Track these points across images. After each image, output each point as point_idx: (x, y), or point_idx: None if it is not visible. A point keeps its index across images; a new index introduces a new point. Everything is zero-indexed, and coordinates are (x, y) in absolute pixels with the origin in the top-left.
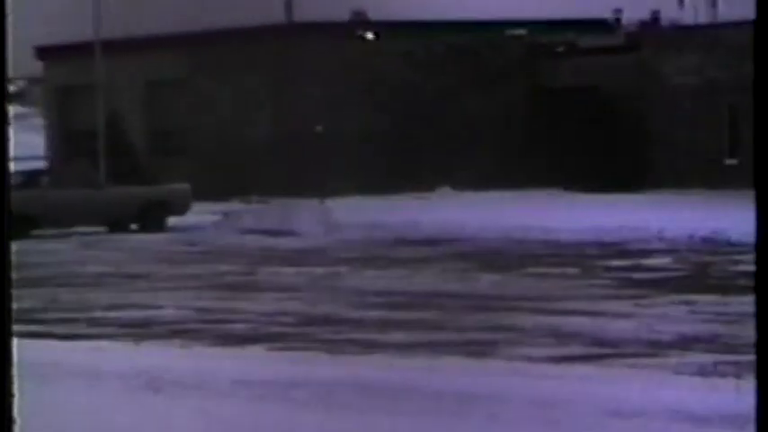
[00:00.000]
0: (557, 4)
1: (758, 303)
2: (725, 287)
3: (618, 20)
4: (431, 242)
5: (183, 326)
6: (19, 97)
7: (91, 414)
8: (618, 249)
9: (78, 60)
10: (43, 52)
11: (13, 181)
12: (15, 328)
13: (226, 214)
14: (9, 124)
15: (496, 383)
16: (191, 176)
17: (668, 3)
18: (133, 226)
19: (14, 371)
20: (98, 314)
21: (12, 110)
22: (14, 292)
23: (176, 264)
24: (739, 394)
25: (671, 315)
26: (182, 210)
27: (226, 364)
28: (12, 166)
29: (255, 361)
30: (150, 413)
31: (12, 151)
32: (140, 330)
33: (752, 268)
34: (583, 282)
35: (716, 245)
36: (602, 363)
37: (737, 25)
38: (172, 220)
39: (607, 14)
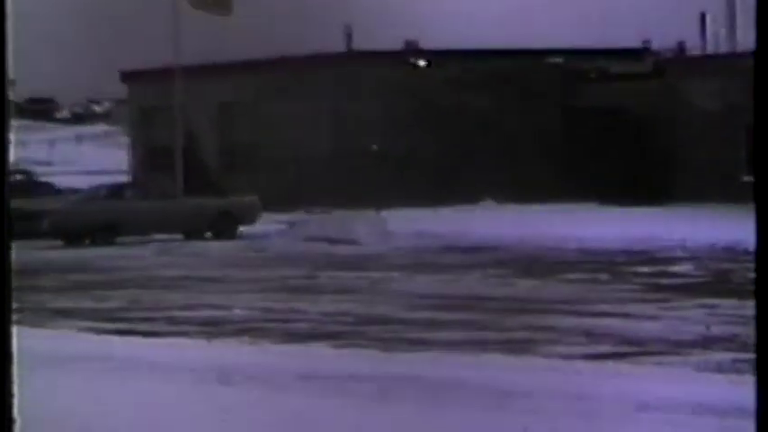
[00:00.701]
0: (591, 34)
1: (758, 304)
2: (742, 292)
3: (646, 48)
4: (475, 250)
5: (251, 324)
6: (105, 117)
7: (166, 404)
8: (645, 257)
9: (159, 84)
10: (127, 76)
11: (98, 193)
12: (103, 325)
13: (291, 223)
14: (9, 125)
15: (534, 379)
16: (259, 189)
17: (692, 33)
18: (207, 234)
19: (15, 369)
20: (175, 313)
21: (99, 128)
22: (100, 293)
23: (246, 268)
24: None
25: (693, 317)
26: (251, 219)
27: (290, 360)
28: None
29: (317, 357)
30: (220, 405)
31: (99, 165)
32: (212, 329)
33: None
34: (613, 286)
35: (734, 254)
36: (630, 360)
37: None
38: (242, 229)
39: (636, 44)
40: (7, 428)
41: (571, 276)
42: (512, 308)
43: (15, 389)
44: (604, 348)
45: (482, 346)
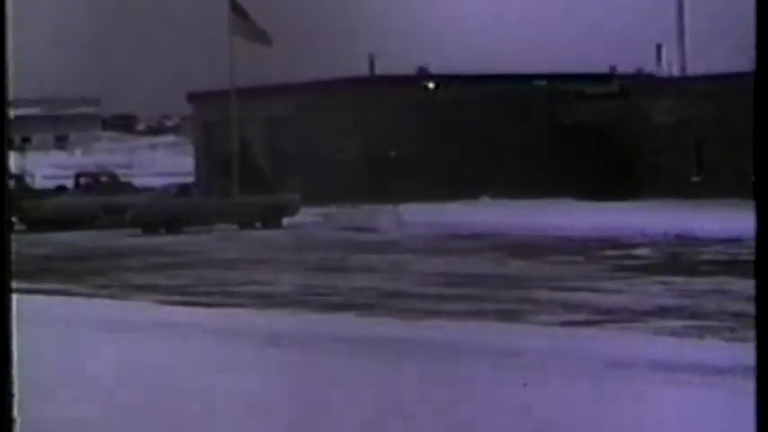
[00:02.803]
0: (568, 62)
1: (758, 303)
2: (690, 271)
3: (613, 73)
4: (475, 237)
5: (294, 297)
6: (175, 130)
7: (225, 362)
8: (612, 243)
9: (217, 102)
10: (192, 97)
11: (170, 191)
12: (173, 298)
13: (325, 216)
14: (9, 126)
15: (523, 342)
16: (300, 188)
17: (649, 61)
18: (257, 224)
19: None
20: (232, 289)
21: (170, 139)
22: (172, 272)
23: (289, 252)
24: (701, 350)
25: (651, 291)
26: (293, 212)
27: (325, 326)
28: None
29: (347, 324)
30: (272, 364)
31: (170, 169)
32: (262, 301)
33: (711, 257)
34: (586, 267)
35: (684, 240)
36: (600, 326)
37: (702, 78)
38: (286, 221)
39: (605, 69)
40: (7, 428)
41: (552, 258)
42: (505, 284)
43: (15, 389)
44: (579, 317)
45: (481, 315)
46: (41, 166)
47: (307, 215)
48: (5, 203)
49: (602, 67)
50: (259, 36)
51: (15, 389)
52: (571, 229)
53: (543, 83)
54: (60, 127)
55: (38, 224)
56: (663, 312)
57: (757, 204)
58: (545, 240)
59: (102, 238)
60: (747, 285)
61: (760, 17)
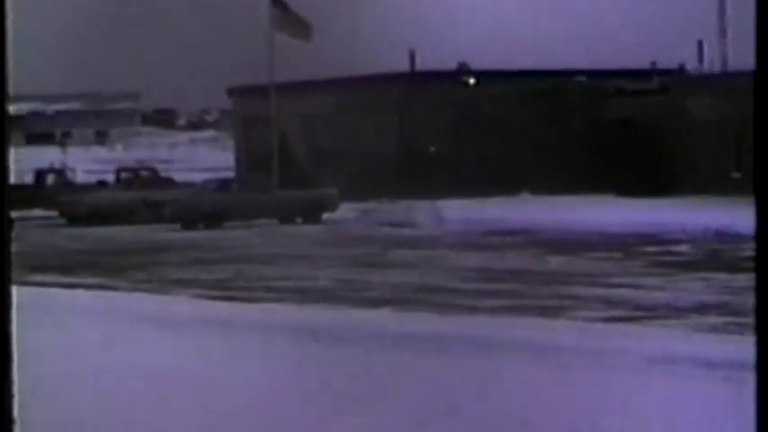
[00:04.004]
0: (609, 58)
1: (758, 303)
2: (731, 267)
3: (654, 69)
4: (514, 233)
5: (332, 293)
6: (215, 125)
7: (262, 357)
8: (652, 239)
9: (257, 98)
10: (232, 92)
11: (210, 186)
12: (213, 292)
13: (364, 211)
14: (8, 125)
15: (563, 338)
16: (339, 183)
17: (691, 57)
18: (297, 219)
19: (15, 371)
20: (271, 283)
21: (210, 134)
22: (211, 267)
23: (328, 247)
24: (741, 347)
25: (691, 288)
26: (332, 208)
27: (364, 321)
28: (210, 176)
29: (385, 319)
30: (310, 359)
31: (210, 164)
32: (301, 296)
33: (752, 254)
34: (626, 263)
35: (725, 237)
36: (640, 323)
37: (742, 74)
38: (325, 216)
39: (646, 65)
40: (7, 428)
41: (592, 254)
42: (544, 280)
43: (15, 389)
44: (619, 313)
45: (520, 310)
46: (82, 161)
47: (346, 211)
48: (5, 203)
49: (642, 63)
50: (300, 30)
51: (15, 389)
52: (611, 225)
53: (583, 79)
54: (101, 122)
55: (78, 219)
56: (703, 309)
57: (758, 202)
58: (584, 236)
59: (142, 232)
60: None
61: (760, 17)
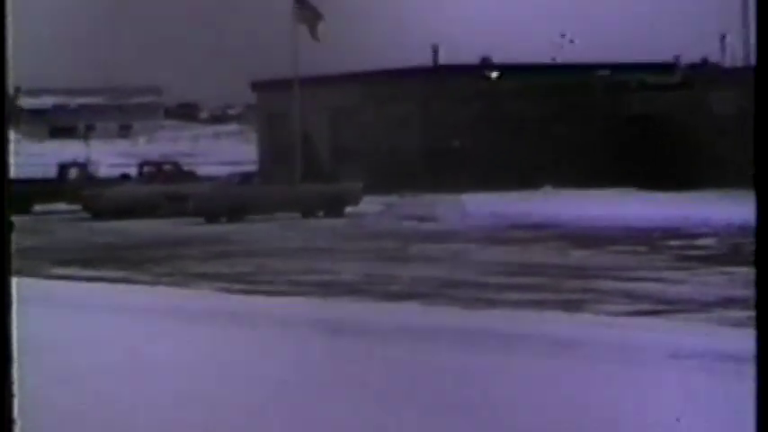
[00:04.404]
0: (632, 52)
1: (758, 302)
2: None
3: (676, 63)
4: (537, 227)
5: (355, 286)
6: (238, 118)
7: (285, 350)
8: (675, 233)
9: (281, 92)
10: (256, 86)
11: (233, 180)
12: (235, 286)
13: (387, 205)
14: (9, 125)
15: (586, 332)
16: (362, 177)
17: (713, 50)
18: (320, 213)
19: (14, 369)
20: (294, 277)
21: (233, 127)
22: (234, 260)
23: (351, 241)
24: None
25: (715, 282)
26: (355, 201)
27: (388, 315)
28: (233, 169)
29: (409, 313)
30: (333, 353)
31: (233, 158)
32: (324, 289)
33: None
34: (649, 257)
35: (747, 231)
36: (664, 316)
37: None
38: (348, 210)
39: (668, 59)
40: (7, 428)
41: (615, 248)
42: (567, 274)
43: (15, 389)
44: (643, 307)
45: (543, 304)
46: (105, 155)
47: (369, 204)
48: (5, 203)
49: (665, 58)
50: (315, 21)
51: (15, 389)
52: (634, 219)
53: (606, 73)
54: (124, 116)
55: (101, 213)
56: (726, 303)
57: (758, 196)
58: (607, 230)
59: (165, 226)
60: None
61: (760, 17)
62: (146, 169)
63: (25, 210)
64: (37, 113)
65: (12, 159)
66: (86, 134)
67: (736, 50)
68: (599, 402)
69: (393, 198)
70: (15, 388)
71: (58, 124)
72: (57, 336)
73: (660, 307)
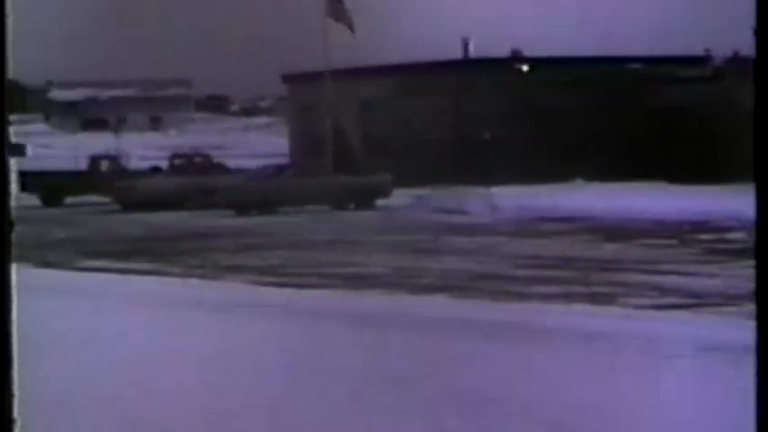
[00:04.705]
0: (663, 44)
1: (758, 301)
2: None
3: (708, 56)
4: (567, 220)
5: (386, 279)
6: (269, 111)
7: (316, 343)
8: (706, 227)
9: (312, 84)
10: (287, 78)
11: (263, 172)
12: (266, 279)
13: (417, 198)
14: (9, 125)
15: (615, 325)
16: (393, 169)
17: (745, 44)
18: (350, 205)
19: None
20: (325, 270)
21: (263, 120)
22: (265, 253)
23: (381, 233)
24: None
25: (744, 275)
26: (386, 194)
27: (417, 308)
28: (264, 162)
29: (439, 306)
30: (364, 345)
31: (264, 150)
32: (355, 282)
33: None
34: (679, 250)
35: None
36: (693, 310)
37: None
38: (379, 202)
39: (700, 52)
40: (7, 428)
41: (645, 241)
42: (596, 267)
43: (15, 389)
44: (672, 300)
45: (572, 297)
46: (136, 147)
47: (399, 197)
48: (5, 203)
49: (696, 50)
50: (347, 21)
51: (15, 389)
52: (664, 212)
53: (637, 65)
54: (154, 108)
55: (132, 205)
56: None
57: (758, 191)
58: (638, 223)
59: (196, 218)
60: None
61: (760, 17)
62: (176, 162)
63: (57, 202)
64: (68, 106)
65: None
66: (117, 126)
67: None
68: (627, 395)
69: (423, 191)
70: (15, 388)
71: (89, 117)
72: (87, 327)
73: (690, 300)
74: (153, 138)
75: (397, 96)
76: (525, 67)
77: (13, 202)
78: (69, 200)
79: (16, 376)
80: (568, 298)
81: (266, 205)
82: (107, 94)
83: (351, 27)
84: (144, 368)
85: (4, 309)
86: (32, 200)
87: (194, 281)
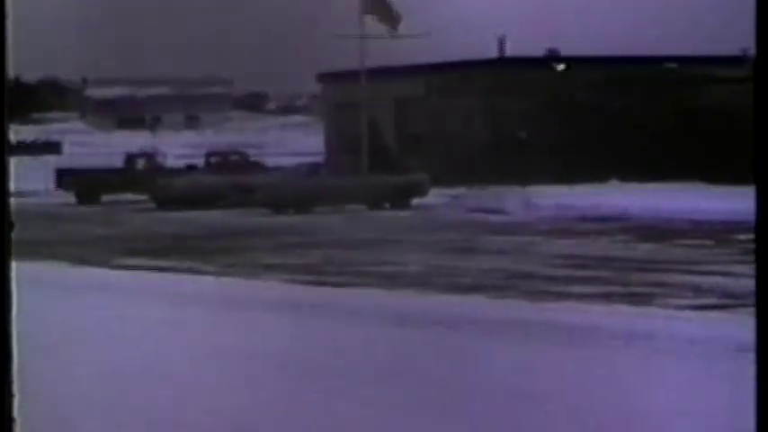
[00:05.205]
0: (700, 44)
1: (758, 301)
2: None
3: (745, 56)
4: (604, 220)
5: (422, 278)
6: (305, 109)
7: (352, 342)
8: (743, 227)
9: (347, 83)
10: (322, 77)
11: (299, 171)
12: (302, 277)
13: (454, 197)
14: (8, 124)
15: (652, 325)
16: (429, 168)
17: None
18: (386, 205)
19: (15, 369)
20: (361, 268)
21: (300, 119)
22: (301, 251)
23: (418, 232)
24: None
25: None
26: (422, 193)
27: (454, 307)
28: (300, 160)
29: (476, 306)
30: (399, 342)
31: (300, 148)
32: (391, 281)
33: None
34: (716, 250)
35: None
36: (730, 311)
37: None
38: (415, 201)
39: (736, 52)
40: (7, 428)
41: (682, 242)
42: (634, 267)
43: (15, 389)
44: (709, 301)
45: (610, 297)
46: (172, 146)
47: (435, 196)
48: (5, 203)
49: (733, 51)
50: (389, 16)
51: (15, 389)
52: (701, 212)
53: (674, 65)
54: (191, 107)
55: (168, 203)
56: None
57: (758, 192)
58: (675, 223)
59: (232, 217)
60: None
61: (760, 17)
62: (213, 160)
63: (93, 200)
64: (105, 104)
65: (79, 149)
66: (154, 125)
67: None
68: (665, 394)
69: (459, 190)
70: (15, 388)
71: (125, 115)
72: (119, 325)
73: (727, 301)
74: (189, 136)
75: (433, 95)
76: (561, 67)
77: (50, 200)
78: (105, 198)
79: (16, 376)
80: (606, 298)
81: (303, 204)
82: (143, 92)
83: (394, 26)
84: (178, 366)
85: (4, 308)
86: (69, 197)
87: (230, 279)
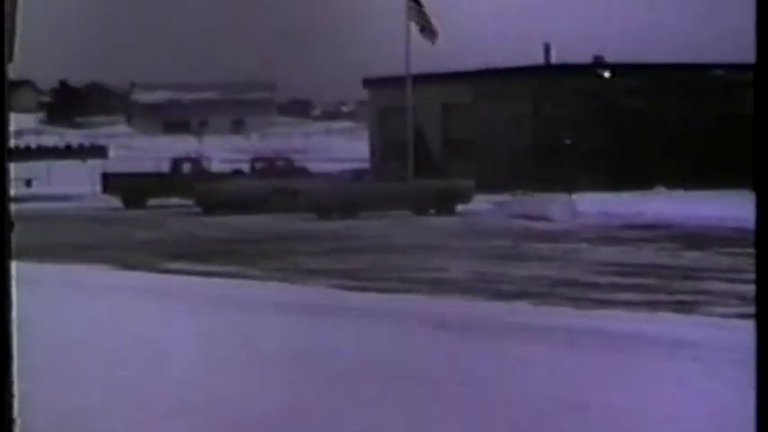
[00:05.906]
0: (746, 51)
1: (758, 300)
2: None
3: None
4: (649, 227)
5: (466, 284)
6: (350, 115)
7: (398, 347)
8: None
9: (393, 88)
10: (368, 82)
11: (344, 176)
12: (347, 282)
13: (498, 203)
14: (8, 124)
15: (698, 333)
16: (474, 174)
17: None
18: (431, 211)
19: (15, 370)
20: (406, 274)
21: (345, 124)
22: (346, 256)
23: (462, 239)
24: None
25: None
26: (466, 199)
27: (498, 313)
28: (345, 166)
29: (520, 312)
30: (442, 347)
31: (345, 154)
32: (435, 287)
33: None
34: None
35: None
36: None
37: None
38: (459, 207)
39: None
40: (7, 428)
41: (727, 250)
42: (679, 275)
43: (15, 389)
44: (754, 309)
45: (655, 305)
46: (218, 150)
47: (480, 202)
48: (5, 203)
49: None
50: (428, 27)
51: (15, 389)
52: (747, 220)
53: (720, 72)
54: (237, 111)
55: (213, 207)
56: None
57: (757, 197)
58: (721, 231)
59: (277, 221)
60: None
61: (760, 17)
62: (258, 165)
63: (139, 204)
64: (151, 108)
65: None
66: (199, 129)
67: None
68: (711, 403)
69: (504, 196)
70: (15, 388)
71: (171, 119)
72: (165, 329)
73: None
74: (235, 141)
75: (479, 102)
76: (607, 74)
77: (96, 204)
78: (151, 202)
79: (16, 377)
80: (651, 306)
81: (347, 209)
82: (189, 96)
83: (431, 37)
84: (224, 371)
85: (4, 308)
86: (115, 201)
87: (273, 283)
